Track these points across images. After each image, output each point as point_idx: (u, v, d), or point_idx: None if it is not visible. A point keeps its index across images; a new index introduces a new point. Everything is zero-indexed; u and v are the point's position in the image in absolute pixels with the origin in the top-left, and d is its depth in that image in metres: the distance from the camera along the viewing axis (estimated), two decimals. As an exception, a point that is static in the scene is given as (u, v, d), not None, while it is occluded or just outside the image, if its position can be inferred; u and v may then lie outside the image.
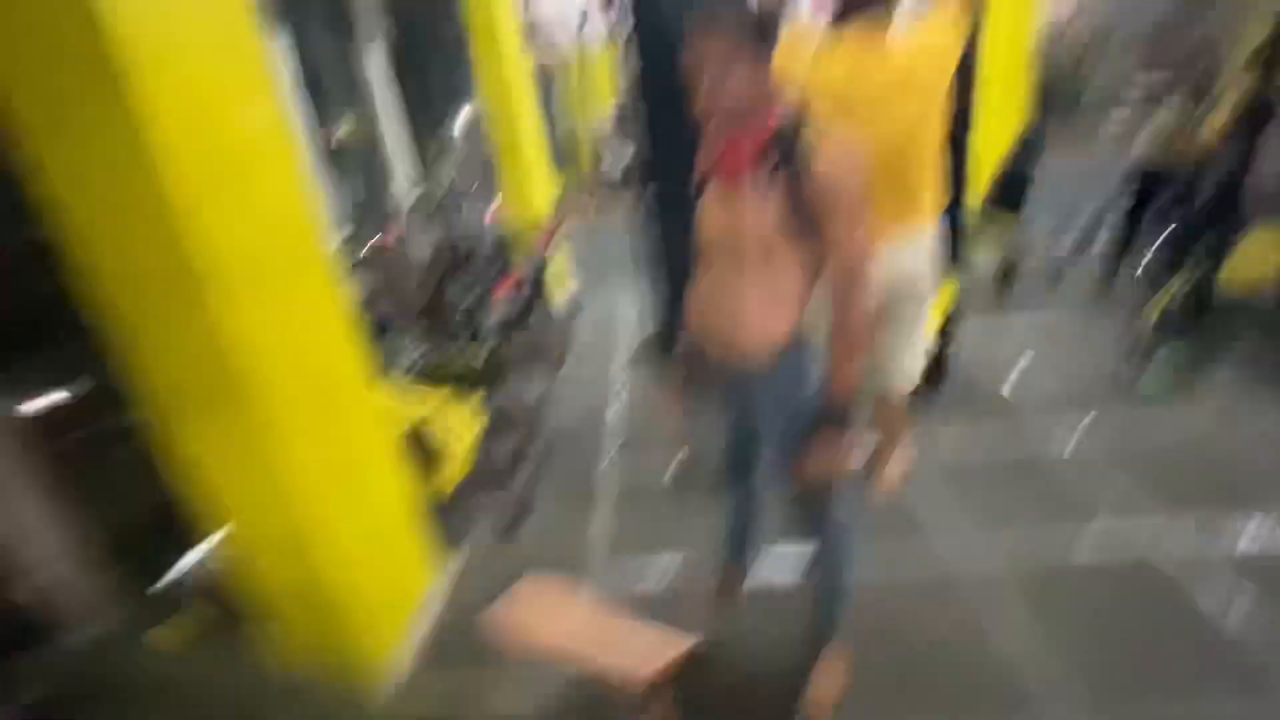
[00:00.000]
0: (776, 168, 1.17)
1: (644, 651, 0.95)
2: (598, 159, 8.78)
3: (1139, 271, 3.83)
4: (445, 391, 2.73)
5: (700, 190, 1.33)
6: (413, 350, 2.87)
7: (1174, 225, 3.53)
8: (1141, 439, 2.46)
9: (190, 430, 1.49)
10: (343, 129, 4.40)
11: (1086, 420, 2.60)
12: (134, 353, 1.40)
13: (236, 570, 1.68)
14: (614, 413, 3.21)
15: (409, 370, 2.79)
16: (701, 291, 1.41)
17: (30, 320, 1.92)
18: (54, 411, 1.95)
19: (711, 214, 1.29)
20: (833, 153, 1.15)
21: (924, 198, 1.84)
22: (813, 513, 1.51)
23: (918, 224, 1.84)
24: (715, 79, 1.12)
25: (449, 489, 2.49)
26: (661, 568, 2.15)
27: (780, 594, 1.96)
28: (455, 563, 2.28)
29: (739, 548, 1.88)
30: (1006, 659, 1.69)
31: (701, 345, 1.46)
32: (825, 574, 1.60)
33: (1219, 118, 3.36)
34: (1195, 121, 3.46)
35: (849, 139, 1.16)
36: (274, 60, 3.07)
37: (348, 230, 3.52)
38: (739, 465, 1.70)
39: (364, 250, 3.43)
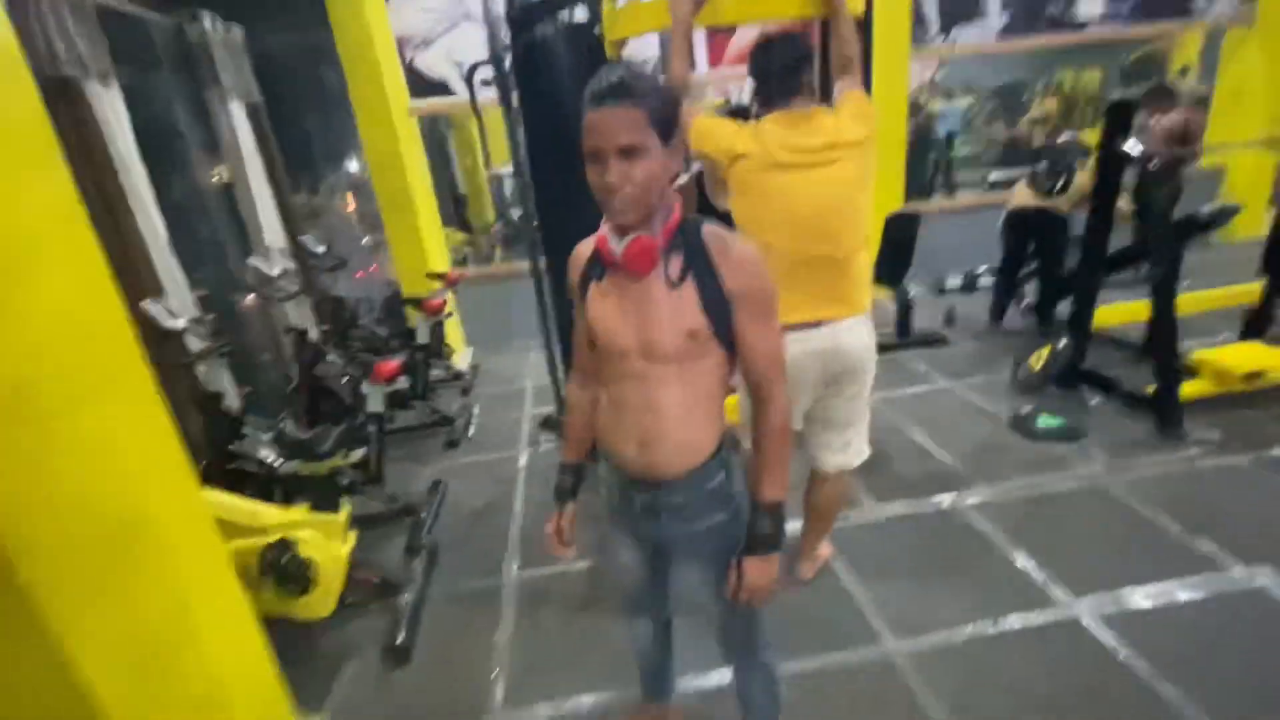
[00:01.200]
0: (685, 265, 1.03)
1: None
2: (497, 212, 8.52)
3: (1022, 308, 4.23)
4: (314, 492, 2.35)
5: (586, 285, 1.15)
6: (279, 442, 2.45)
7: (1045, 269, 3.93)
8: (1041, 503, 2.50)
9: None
10: (209, 176, 3.93)
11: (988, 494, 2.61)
12: None
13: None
14: (519, 504, 2.90)
15: (271, 469, 2.37)
16: (604, 403, 1.20)
17: None
18: None
19: (609, 313, 1.10)
20: (739, 250, 1.05)
21: (864, 271, 1.79)
22: (738, 639, 1.33)
23: (860, 298, 1.77)
24: (616, 161, 0.95)
25: (321, 613, 2.09)
26: (574, 709, 1.85)
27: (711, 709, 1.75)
28: (325, 712, 1.88)
29: (657, 683, 1.65)
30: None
31: (606, 459, 1.25)
32: (753, 700, 1.41)
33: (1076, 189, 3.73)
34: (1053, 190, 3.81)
35: (750, 244, 1.08)
36: (107, 114, 2.67)
37: (201, 293, 3.05)
38: (650, 597, 1.45)
39: (215, 323, 2.96)
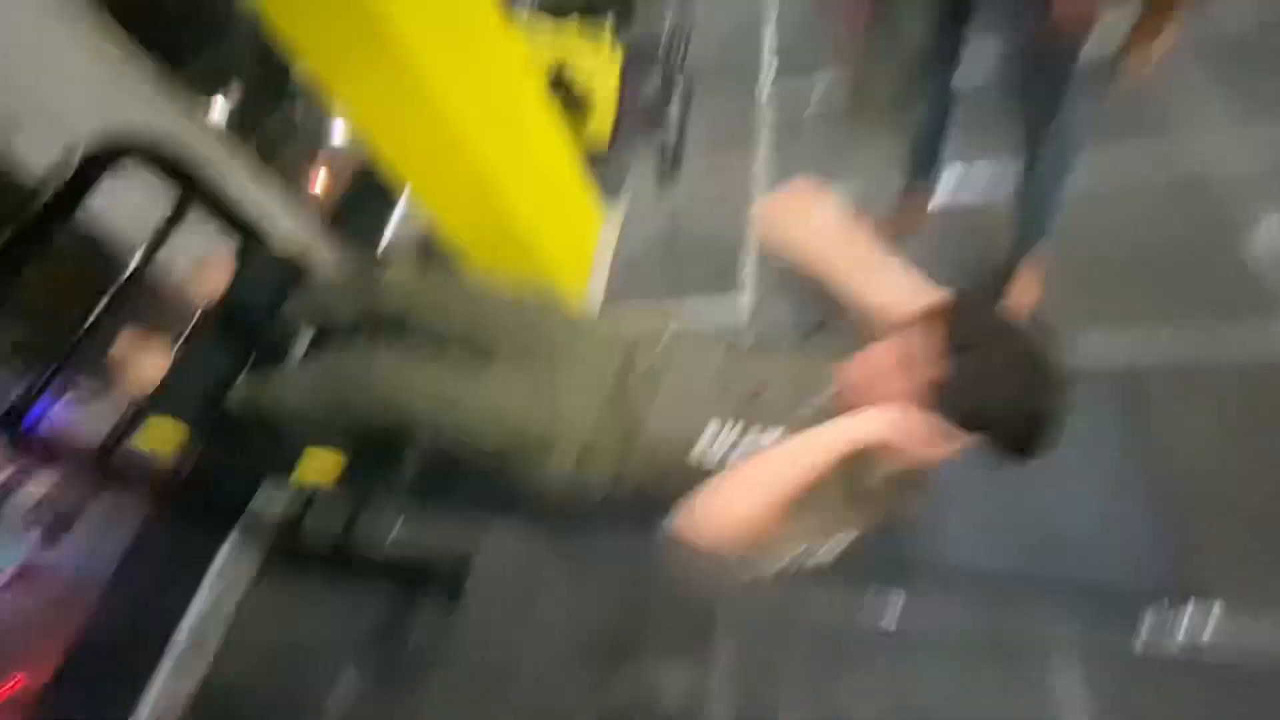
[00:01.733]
0: None
1: (905, 287, 0.89)
2: None
3: None
4: (574, 26, 2.42)
5: None
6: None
7: None
8: None
9: (351, 91, 1.48)
10: None
11: None
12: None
13: (433, 220, 1.83)
14: (770, 31, 2.71)
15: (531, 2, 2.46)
16: None
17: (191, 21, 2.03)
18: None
19: None
20: None
21: None
22: (1044, 91, 1.23)
23: None
24: None
25: (602, 137, 2.40)
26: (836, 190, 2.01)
27: (973, 212, 1.79)
28: (620, 209, 2.31)
29: (925, 163, 1.67)
30: (1261, 261, 1.47)
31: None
32: (1041, 174, 1.38)
33: None
34: None
35: None
36: None
37: None
38: (939, 55, 1.39)
39: None
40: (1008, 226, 1.54)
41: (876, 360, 0.83)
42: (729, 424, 0.92)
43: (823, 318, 1.12)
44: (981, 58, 1.38)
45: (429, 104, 1.45)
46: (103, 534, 1.94)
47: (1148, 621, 1.15)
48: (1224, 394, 1.35)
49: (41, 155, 1.50)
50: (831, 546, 0.83)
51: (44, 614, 2.10)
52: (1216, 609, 1.12)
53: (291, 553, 1.54)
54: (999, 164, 1.81)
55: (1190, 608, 1.06)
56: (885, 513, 0.86)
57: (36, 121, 1.49)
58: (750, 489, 0.78)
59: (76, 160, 1.05)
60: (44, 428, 1.04)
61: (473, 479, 1.21)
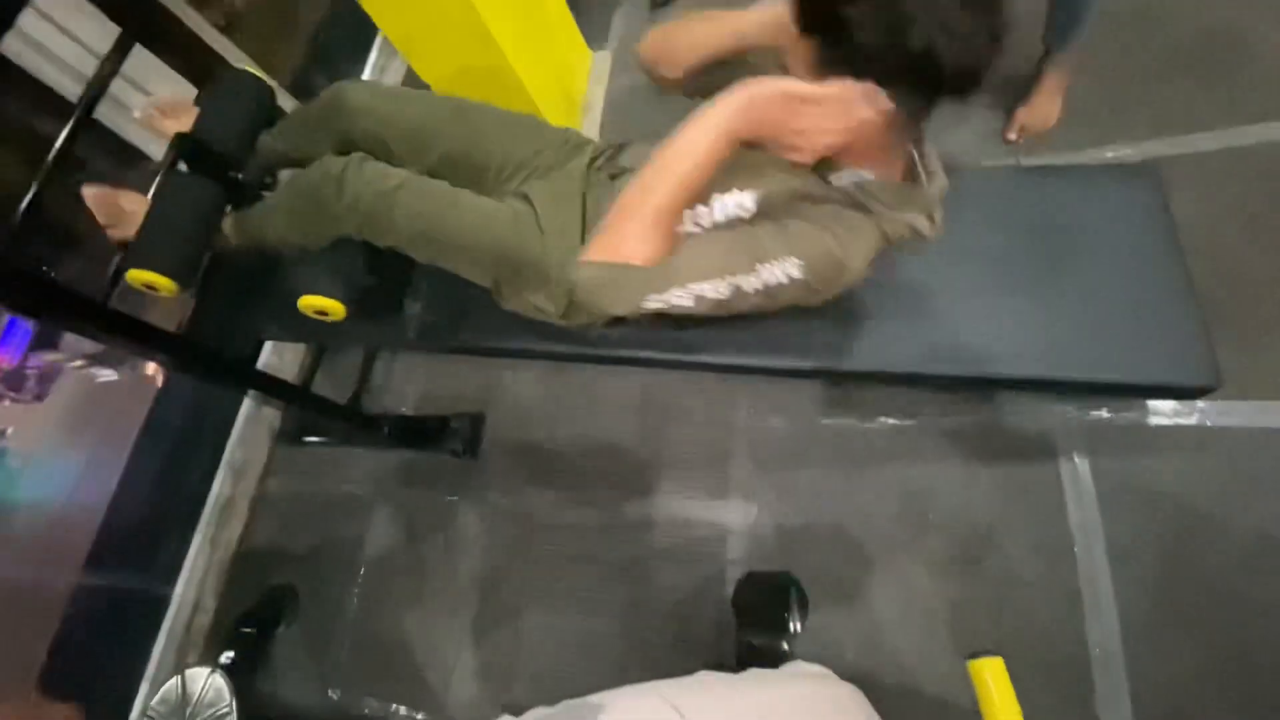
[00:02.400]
0: None
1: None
2: None
3: None
4: None
5: None
6: None
7: None
8: None
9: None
10: None
11: None
12: None
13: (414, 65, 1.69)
14: None
15: None
16: None
17: None
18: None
19: None
20: None
21: None
22: None
23: None
24: None
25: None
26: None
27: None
28: (609, 50, 2.13)
29: None
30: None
31: None
32: None
33: None
34: None
35: None
36: None
37: None
38: None
39: None
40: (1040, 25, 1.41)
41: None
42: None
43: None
44: None
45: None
46: (119, 412, 1.95)
47: (1160, 409, 1.17)
48: (1248, 183, 1.29)
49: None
50: (763, 279, 0.78)
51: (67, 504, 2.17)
52: (1228, 393, 1.13)
53: (307, 414, 1.54)
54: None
55: (1204, 394, 1.06)
56: (823, 248, 0.78)
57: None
58: (644, 198, 0.75)
59: None
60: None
61: (488, 315, 1.18)
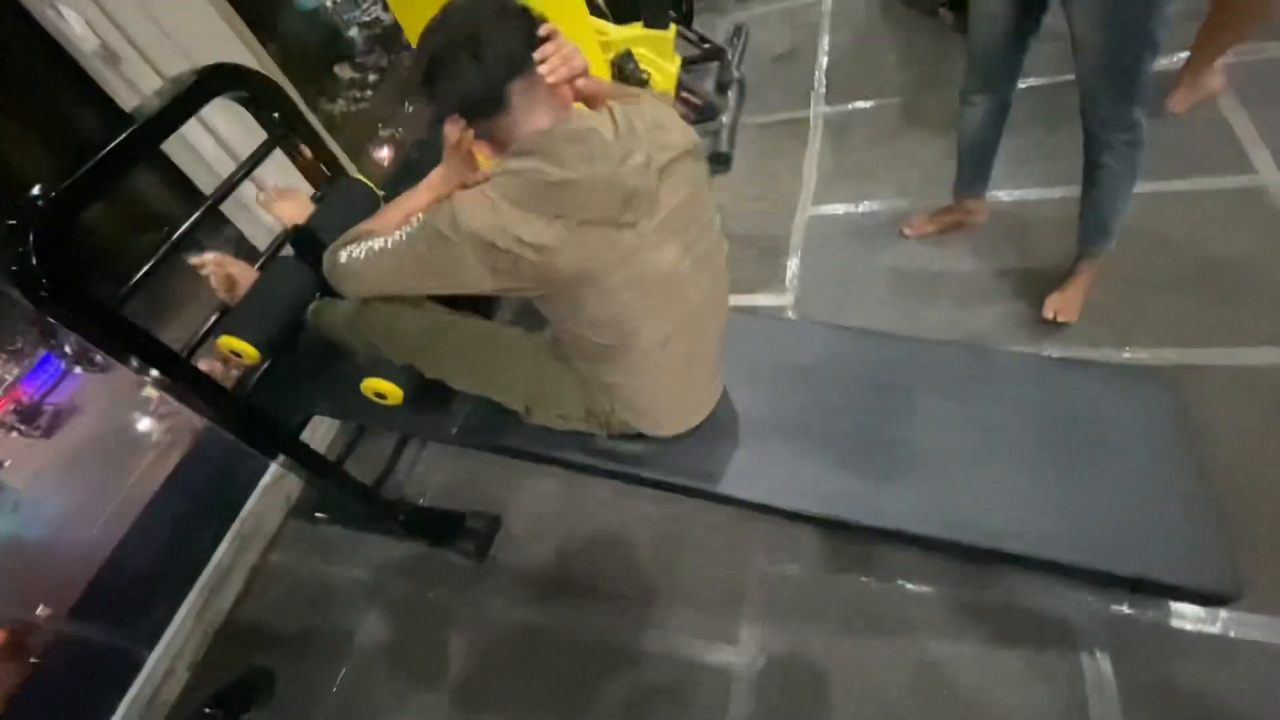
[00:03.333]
0: None
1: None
2: None
3: None
4: (639, 21, 2.50)
5: None
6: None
7: None
8: None
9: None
10: None
11: None
12: None
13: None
14: (824, 47, 2.79)
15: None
16: None
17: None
18: None
19: None
20: None
21: None
22: (1118, 81, 1.24)
23: None
24: None
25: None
26: (883, 195, 2.06)
27: (1029, 210, 1.83)
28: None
29: (976, 172, 1.71)
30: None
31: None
32: (1110, 175, 1.38)
33: None
34: None
35: None
36: None
37: None
38: (1003, 59, 1.44)
39: None
40: (1063, 227, 1.57)
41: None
42: None
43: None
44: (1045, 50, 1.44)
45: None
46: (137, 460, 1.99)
47: (1183, 612, 1.16)
48: (1265, 399, 1.35)
49: (137, 88, 1.59)
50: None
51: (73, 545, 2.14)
52: (1251, 605, 1.12)
53: (329, 489, 1.57)
54: (1055, 164, 1.86)
55: (1226, 602, 1.06)
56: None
57: (133, 57, 1.57)
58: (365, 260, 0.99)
59: (184, 85, 1.11)
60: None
61: (516, 429, 1.26)
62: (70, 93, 1.64)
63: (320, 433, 1.98)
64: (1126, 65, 1.20)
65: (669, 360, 1.04)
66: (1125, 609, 1.19)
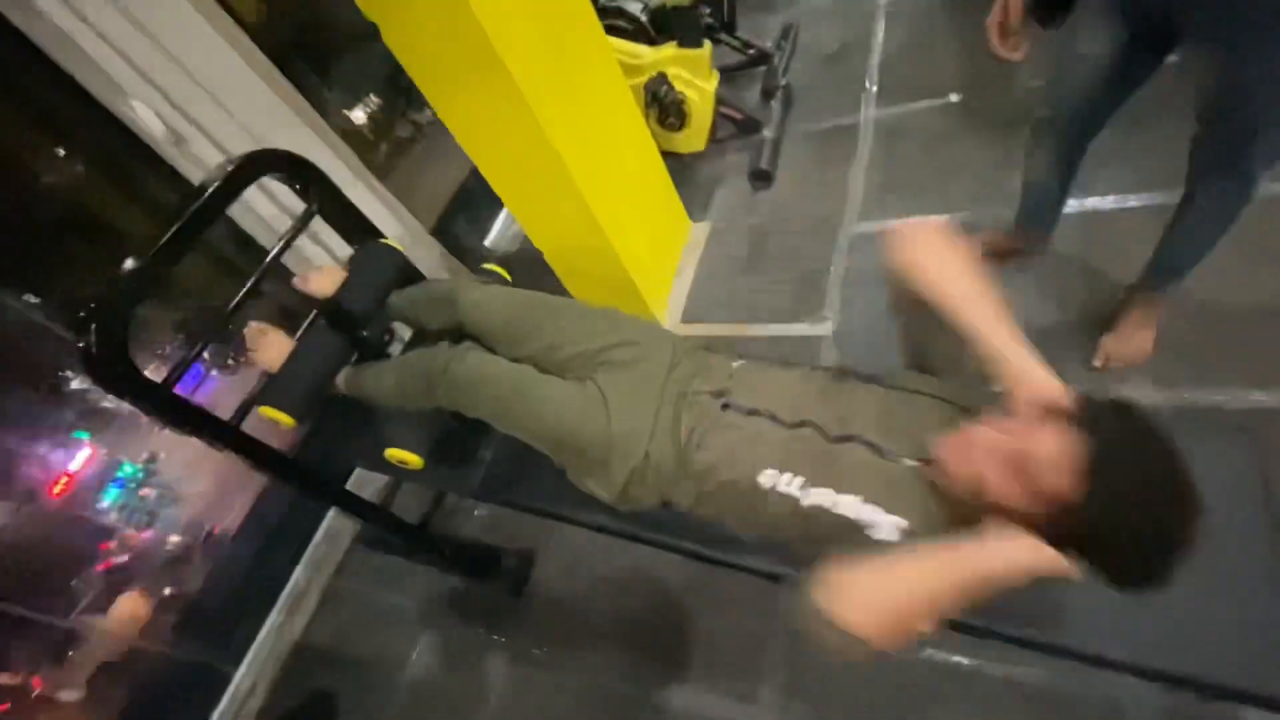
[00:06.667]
0: None
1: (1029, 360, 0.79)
2: None
3: None
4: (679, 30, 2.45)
5: None
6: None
7: None
8: None
9: (459, 110, 1.61)
10: None
11: None
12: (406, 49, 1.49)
13: (525, 229, 1.94)
14: (878, 44, 2.61)
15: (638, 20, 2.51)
16: None
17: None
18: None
19: None
20: None
21: None
22: (1251, 135, 1.08)
23: None
24: None
25: (696, 148, 2.42)
26: (933, 210, 1.92)
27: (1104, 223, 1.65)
28: (707, 222, 2.32)
29: (1040, 214, 1.54)
30: None
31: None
32: (1204, 212, 1.22)
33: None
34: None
35: None
36: None
37: None
38: (1089, 111, 1.26)
39: None
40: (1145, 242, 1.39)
41: (986, 444, 0.76)
42: (788, 475, 0.92)
43: (914, 361, 1.07)
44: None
45: (531, 125, 1.54)
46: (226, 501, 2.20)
47: (1250, 715, 1.01)
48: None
49: (202, 166, 1.75)
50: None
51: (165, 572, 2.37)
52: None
53: (380, 531, 1.69)
54: (1140, 166, 1.68)
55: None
56: None
57: (199, 138, 1.73)
58: (885, 596, 0.73)
59: (230, 169, 1.21)
60: (189, 397, 1.21)
61: (546, 479, 1.28)
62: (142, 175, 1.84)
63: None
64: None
65: None
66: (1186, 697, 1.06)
